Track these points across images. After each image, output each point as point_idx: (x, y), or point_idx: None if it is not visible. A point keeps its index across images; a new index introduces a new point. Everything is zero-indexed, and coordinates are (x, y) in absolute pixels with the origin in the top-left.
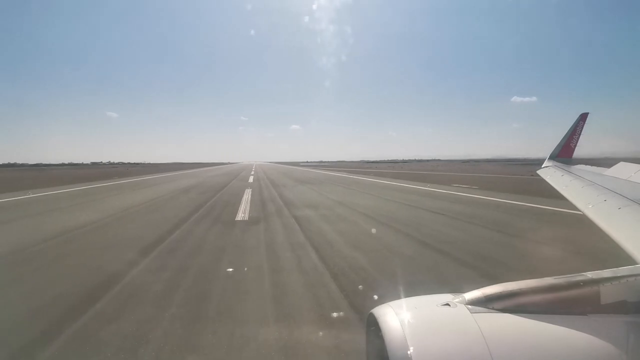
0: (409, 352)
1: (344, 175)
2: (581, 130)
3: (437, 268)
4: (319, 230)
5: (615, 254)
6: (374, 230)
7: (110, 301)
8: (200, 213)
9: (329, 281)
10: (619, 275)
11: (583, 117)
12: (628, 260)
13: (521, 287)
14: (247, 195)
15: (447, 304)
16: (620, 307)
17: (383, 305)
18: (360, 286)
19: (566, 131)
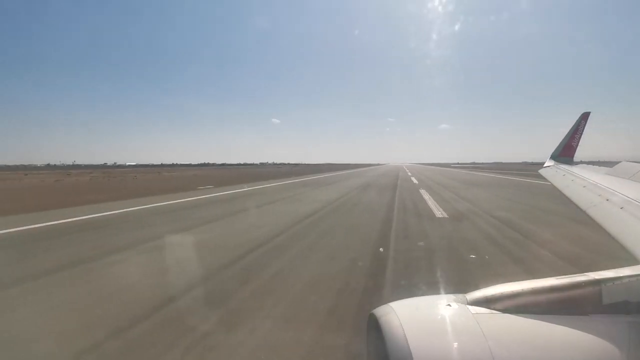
0: (410, 353)
1: (512, 178)
2: (583, 130)
3: None
4: (531, 232)
5: None
6: (595, 236)
7: (395, 273)
8: (397, 207)
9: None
10: (620, 275)
11: (584, 117)
12: (630, 260)
13: (523, 287)
14: (425, 195)
15: (449, 305)
16: (621, 308)
17: (384, 305)
18: None
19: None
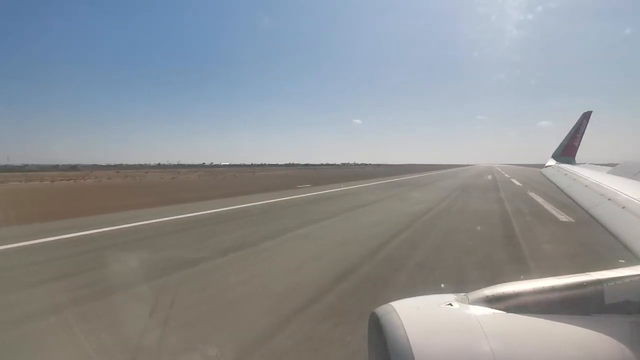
0: (411, 353)
1: None
2: (584, 130)
3: None
4: None
5: None
6: None
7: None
8: (511, 210)
9: None
10: (622, 275)
11: (586, 116)
12: (632, 260)
13: (525, 287)
14: (537, 198)
15: (450, 304)
16: (623, 307)
17: (385, 305)
18: None
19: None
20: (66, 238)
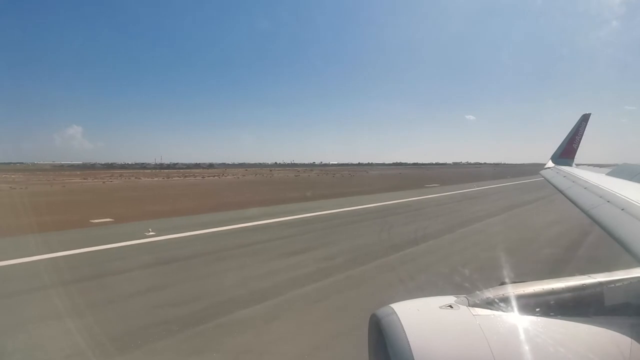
0: (411, 354)
1: None
2: (583, 132)
3: None
4: None
5: None
6: None
7: None
8: None
9: None
10: (622, 277)
11: (585, 118)
12: (631, 262)
13: (524, 289)
14: None
15: (450, 306)
16: (623, 309)
17: (386, 307)
18: None
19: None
20: (285, 220)
